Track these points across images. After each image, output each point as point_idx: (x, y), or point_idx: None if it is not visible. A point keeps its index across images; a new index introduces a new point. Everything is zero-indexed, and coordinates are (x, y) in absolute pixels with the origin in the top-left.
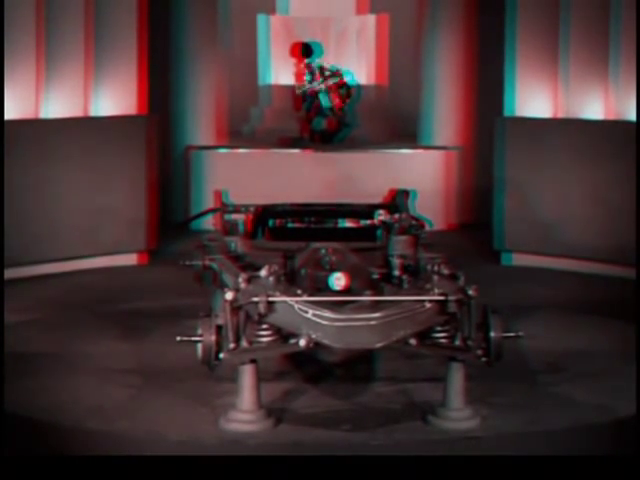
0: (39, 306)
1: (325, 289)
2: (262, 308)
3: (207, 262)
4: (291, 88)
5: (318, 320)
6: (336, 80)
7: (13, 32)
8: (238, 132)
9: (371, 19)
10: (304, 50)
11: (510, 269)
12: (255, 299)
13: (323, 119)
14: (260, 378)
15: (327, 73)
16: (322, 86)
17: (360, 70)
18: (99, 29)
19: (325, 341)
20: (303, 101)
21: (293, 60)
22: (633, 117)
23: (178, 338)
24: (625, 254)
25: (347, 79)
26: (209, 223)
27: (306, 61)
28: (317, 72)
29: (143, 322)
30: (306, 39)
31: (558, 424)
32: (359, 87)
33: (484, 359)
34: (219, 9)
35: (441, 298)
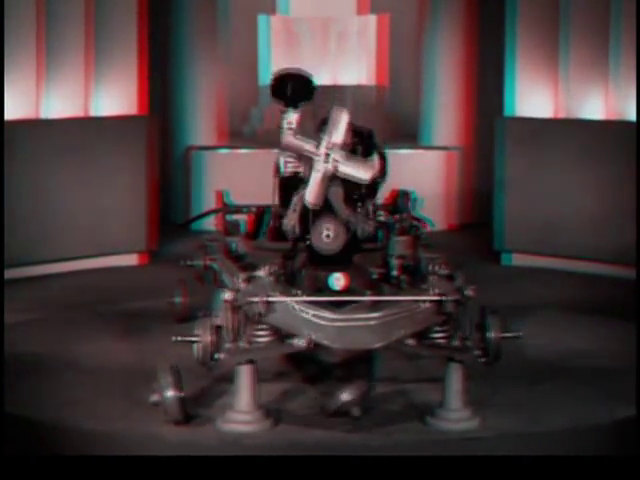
0: (39, 306)
1: (325, 289)
2: (261, 308)
3: (208, 262)
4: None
5: (317, 320)
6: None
7: (13, 32)
8: (238, 132)
9: (372, 19)
10: (282, 89)
11: (510, 269)
12: (254, 299)
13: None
14: (259, 378)
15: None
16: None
17: (360, 70)
18: (99, 29)
19: (324, 341)
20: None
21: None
22: (633, 117)
23: (174, 338)
24: (625, 254)
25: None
26: (210, 223)
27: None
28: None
29: (143, 322)
30: (306, 37)
31: (557, 425)
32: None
33: (482, 359)
34: (219, 9)
35: (438, 298)
